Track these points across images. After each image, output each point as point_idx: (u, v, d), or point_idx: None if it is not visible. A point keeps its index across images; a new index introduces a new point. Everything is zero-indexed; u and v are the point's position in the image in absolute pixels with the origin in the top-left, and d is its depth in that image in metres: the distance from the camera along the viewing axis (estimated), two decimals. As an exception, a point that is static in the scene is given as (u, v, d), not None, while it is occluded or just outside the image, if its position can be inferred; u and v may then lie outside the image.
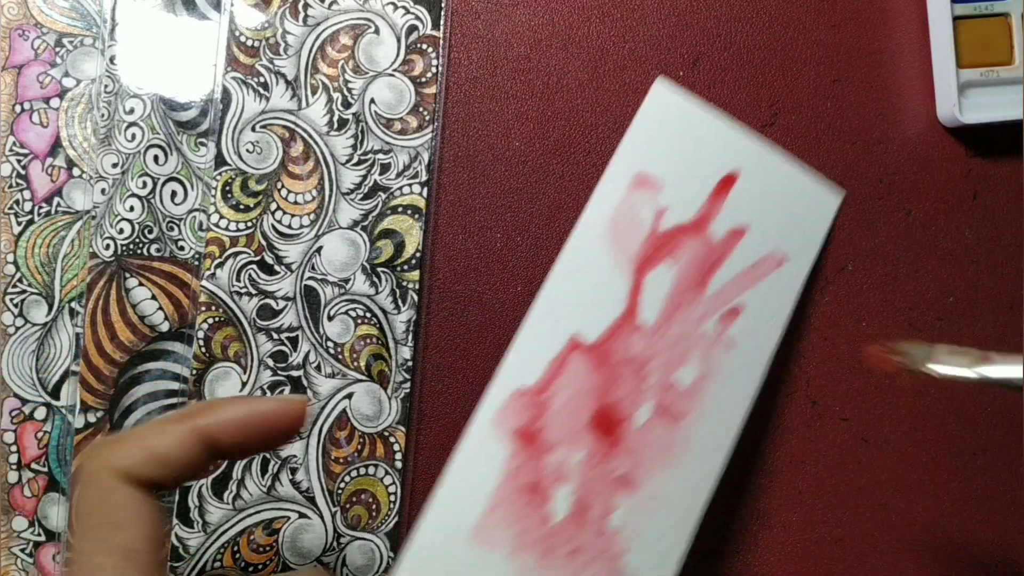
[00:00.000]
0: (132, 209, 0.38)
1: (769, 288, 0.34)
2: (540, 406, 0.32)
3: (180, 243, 0.38)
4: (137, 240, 0.38)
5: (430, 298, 0.39)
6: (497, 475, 0.31)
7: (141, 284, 0.38)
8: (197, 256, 0.38)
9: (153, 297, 0.38)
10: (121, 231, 0.38)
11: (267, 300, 0.38)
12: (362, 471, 0.38)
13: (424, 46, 0.39)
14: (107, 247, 0.38)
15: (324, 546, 0.38)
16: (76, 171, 0.38)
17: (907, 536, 0.39)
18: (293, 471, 0.38)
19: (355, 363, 0.38)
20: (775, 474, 0.39)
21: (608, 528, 0.32)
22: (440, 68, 0.39)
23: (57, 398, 0.38)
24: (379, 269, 0.38)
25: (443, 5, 0.39)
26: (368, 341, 0.38)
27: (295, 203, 0.38)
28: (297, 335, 0.38)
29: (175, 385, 0.38)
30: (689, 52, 0.40)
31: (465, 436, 0.32)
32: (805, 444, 0.39)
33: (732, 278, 0.34)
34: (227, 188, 0.38)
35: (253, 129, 0.38)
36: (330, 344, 0.38)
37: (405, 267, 0.38)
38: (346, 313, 0.38)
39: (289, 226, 0.38)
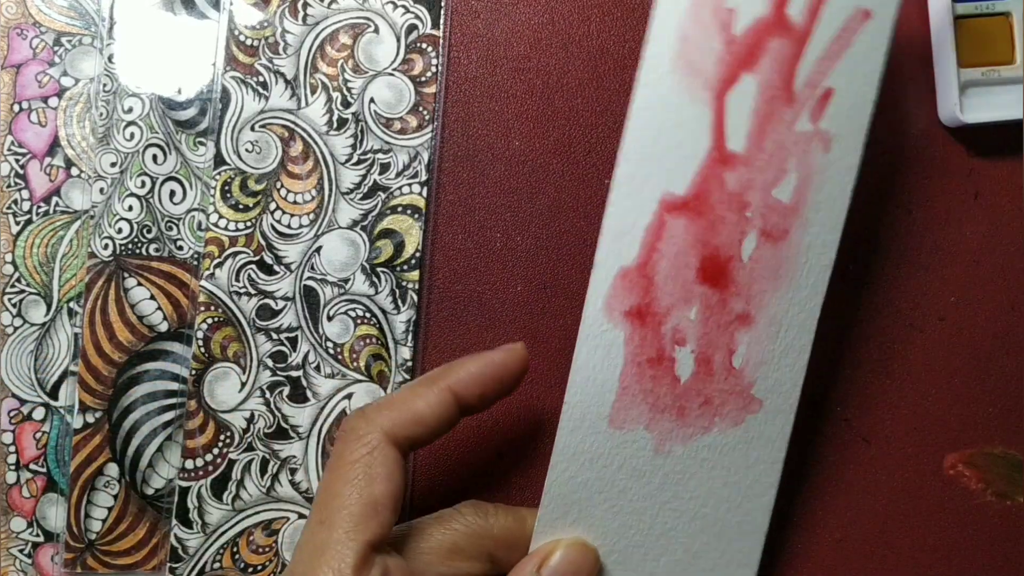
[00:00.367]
0: (131, 209, 0.38)
1: (857, 53, 0.32)
2: (646, 279, 0.32)
3: (179, 243, 0.38)
4: (136, 240, 0.38)
5: (430, 298, 0.39)
6: (619, 360, 0.32)
7: (140, 284, 0.37)
8: (196, 256, 0.38)
9: (152, 297, 0.38)
10: (120, 231, 0.38)
11: (266, 300, 0.38)
12: (362, 471, 0.38)
13: (424, 45, 0.39)
14: (106, 247, 0.37)
15: (324, 547, 0.37)
16: (75, 170, 0.38)
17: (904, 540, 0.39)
18: (292, 472, 0.37)
19: (355, 363, 0.38)
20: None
21: (734, 367, 0.32)
22: (440, 67, 0.39)
23: (56, 398, 0.38)
24: (379, 269, 0.38)
25: (443, 4, 0.39)
26: (368, 341, 0.38)
27: (294, 203, 0.38)
28: (296, 335, 0.38)
29: (174, 385, 0.38)
30: (689, 51, 0.39)
31: (580, 330, 0.32)
32: (806, 440, 0.39)
33: (818, 58, 0.32)
34: (226, 188, 0.38)
35: (252, 128, 0.38)
36: (330, 344, 0.38)
37: (405, 267, 0.38)
38: (346, 313, 0.38)
39: (288, 226, 0.38)
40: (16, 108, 0.38)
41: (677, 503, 0.33)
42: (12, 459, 0.37)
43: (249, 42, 0.38)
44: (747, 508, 0.33)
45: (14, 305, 0.37)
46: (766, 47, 0.32)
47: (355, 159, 0.38)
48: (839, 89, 0.32)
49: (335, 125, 0.38)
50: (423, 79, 0.39)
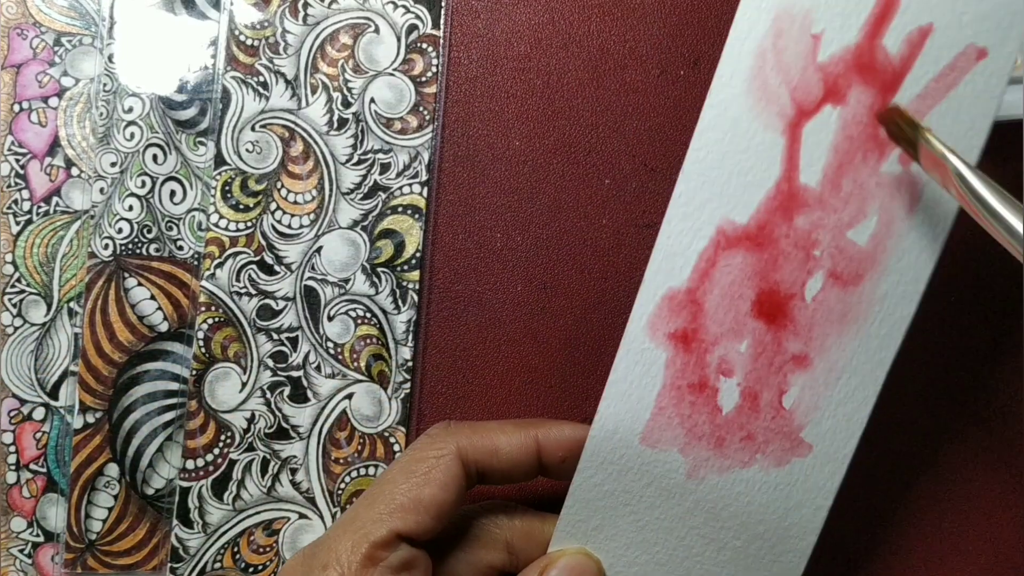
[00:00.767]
0: (131, 209, 0.38)
1: (964, 95, 0.29)
2: (695, 304, 0.30)
3: (179, 243, 0.38)
4: (136, 240, 0.38)
5: (430, 298, 0.39)
6: (658, 380, 0.31)
7: (140, 284, 0.37)
8: (196, 256, 0.38)
9: (152, 297, 0.38)
10: (120, 231, 0.38)
11: (267, 300, 0.38)
12: (362, 472, 0.38)
13: (424, 45, 0.39)
14: (106, 247, 0.37)
15: (324, 547, 0.37)
16: (75, 170, 0.38)
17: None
18: (293, 472, 0.37)
19: (355, 363, 0.38)
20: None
21: (784, 407, 0.31)
22: (440, 67, 0.39)
23: (56, 398, 0.38)
24: (379, 269, 0.38)
25: (443, 4, 0.39)
26: (368, 341, 0.38)
27: (295, 203, 0.38)
28: (297, 335, 0.38)
29: (174, 385, 0.38)
30: (689, 52, 0.39)
31: (622, 343, 0.31)
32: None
33: (917, 95, 0.29)
34: (227, 188, 0.38)
35: (253, 128, 0.38)
36: (330, 344, 0.38)
37: (405, 267, 0.38)
38: (346, 313, 0.38)
39: (289, 226, 0.38)
40: (16, 108, 0.38)
41: (707, 530, 0.31)
42: (12, 459, 0.37)
43: (249, 42, 0.38)
44: (782, 549, 0.32)
45: (14, 305, 0.37)
46: (854, 78, 0.29)
47: (355, 159, 0.38)
48: (937, 132, 0.29)
49: (335, 125, 0.38)
50: (423, 79, 0.39)
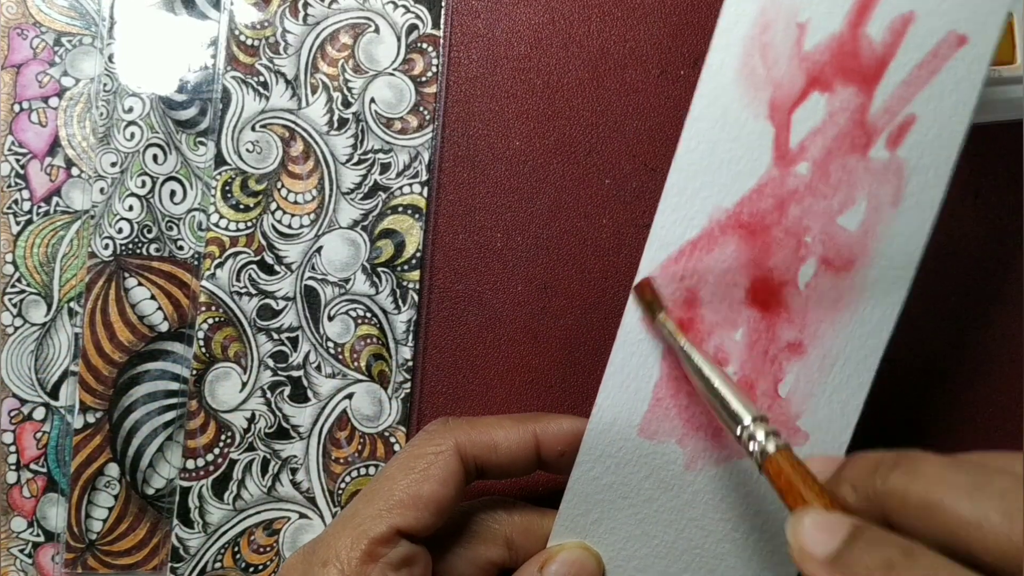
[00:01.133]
0: (131, 208, 0.38)
1: (947, 81, 0.29)
2: (689, 294, 0.31)
3: (180, 243, 0.38)
4: (136, 240, 0.38)
5: (430, 298, 0.39)
6: (655, 371, 0.31)
7: (140, 284, 0.37)
8: (197, 256, 0.38)
9: (152, 297, 0.38)
10: (120, 231, 0.38)
11: (267, 300, 0.38)
12: (363, 471, 0.38)
13: (424, 45, 0.39)
14: (106, 247, 0.37)
15: (324, 546, 0.37)
16: (75, 170, 0.38)
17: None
18: (293, 471, 0.37)
19: (355, 363, 0.38)
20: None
21: (780, 395, 0.31)
22: (440, 67, 0.39)
23: (56, 398, 0.38)
24: (379, 269, 0.38)
25: (443, 4, 0.39)
26: (368, 341, 0.38)
27: (295, 203, 0.38)
28: (297, 335, 0.38)
29: (175, 385, 0.38)
30: (690, 52, 0.39)
31: (618, 334, 0.31)
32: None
33: (900, 82, 0.29)
34: (227, 188, 0.38)
35: (253, 128, 0.38)
36: (330, 344, 0.38)
37: (405, 267, 0.38)
38: (346, 313, 0.38)
39: (289, 226, 0.38)
40: (16, 108, 0.38)
41: (705, 522, 0.31)
42: (12, 459, 0.37)
43: (250, 42, 0.38)
44: (782, 540, 0.31)
45: (14, 305, 0.37)
46: (839, 66, 0.30)
47: (356, 159, 0.38)
48: (923, 118, 0.29)
49: (336, 125, 0.38)
50: (424, 79, 0.39)
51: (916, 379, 0.39)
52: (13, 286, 0.38)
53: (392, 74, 0.38)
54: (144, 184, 0.38)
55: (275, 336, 0.38)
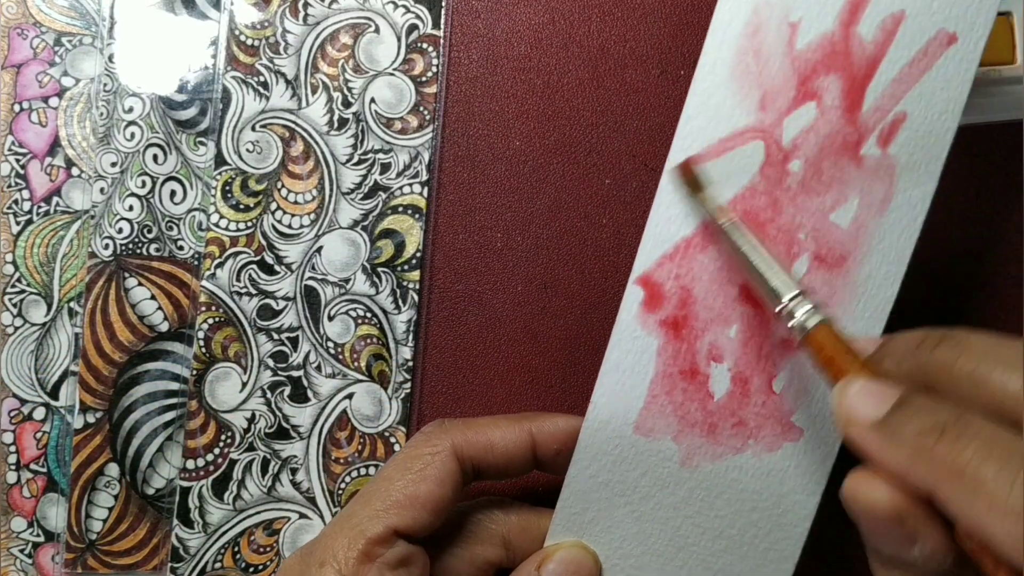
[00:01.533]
0: (131, 209, 0.38)
1: (937, 79, 0.30)
2: (684, 292, 0.31)
3: (180, 243, 0.38)
4: (136, 240, 0.38)
5: (430, 298, 0.39)
6: (650, 368, 0.31)
7: (140, 284, 0.37)
8: (197, 256, 0.38)
9: (152, 297, 0.38)
10: (120, 231, 0.38)
11: (267, 300, 0.38)
12: (363, 471, 0.38)
13: (424, 45, 0.39)
14: (106, 247, 0.37)
15: (324, 546, 0.38)
16: (75, 170, 0.38)
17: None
18: (293, 471, 0.37)
19: (355, 363, 0.38)
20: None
21: (774, 391, 0.31)
22: (440, 67, 0.39)
23: (56, 398, 0.38)
24: (379, 269, 0.38)
25: (443, 4, 0.39)
26: (368, 341, 0.38)
27: (295, 203, 0.38)
28: (297, 335, 0.38)
29: (175, 385, 0.38)
30: (690, 52, 0.39)
31: (613, 332, 0.31)
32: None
33: (891, 80, 0.30)
34: (227, 188, 0.38)
35: (253, 128, 0.38)
36: (330, 344, 0.38)
37: (405, 267, 0.38)
38: (346, 313, 0.38)
39: (289, 226, 0.38)
40: (16, 108, 0.38)
41: (701, 519, 0.32)
42: (13, 459, 0.37)
43: (250, 42, 0.38)
44: (777, 536, 0.32)
45: (14, 305, 0.37)
46: (831, 64, 0.30)
47: (356, 159, 0.38)
48: (913, 116, 0.30)
49: (336, 125, 0.38)
50: (424, 79, 0.39)
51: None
52: (13, 286, 0.38)
53: (392, 74, 0.38)
54: (144, 184, 0.38)
55: (275, 336, 0.38)
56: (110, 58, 0.38)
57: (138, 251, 0.38)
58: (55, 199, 0.38)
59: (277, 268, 0.38)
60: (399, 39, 0.38)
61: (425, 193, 0.38)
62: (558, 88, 0.39)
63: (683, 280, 0.31)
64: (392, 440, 0.38)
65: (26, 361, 0.38)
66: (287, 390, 0.38)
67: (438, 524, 0.30)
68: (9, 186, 0.38)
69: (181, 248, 0.38)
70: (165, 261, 0.38)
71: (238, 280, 0.38)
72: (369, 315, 0.38)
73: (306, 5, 0.38)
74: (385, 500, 0.30)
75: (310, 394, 0.38)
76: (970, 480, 0.21)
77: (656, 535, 0.32)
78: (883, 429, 0.23)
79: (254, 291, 0.38)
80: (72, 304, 0.38)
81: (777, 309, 0.28)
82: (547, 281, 0.39)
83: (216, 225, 0.38)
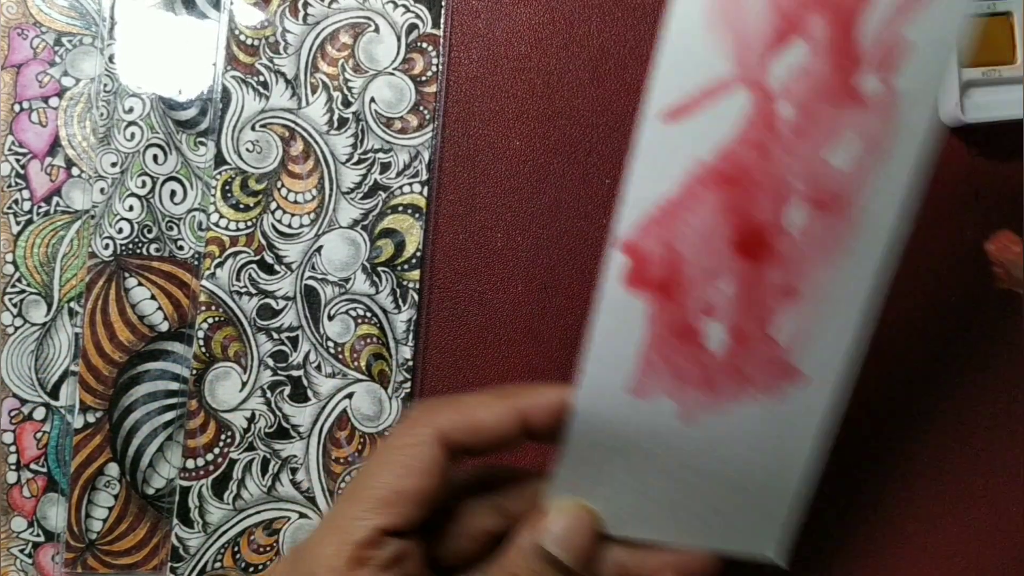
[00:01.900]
0: (131, 209, 0.38)
1: (936, 7, 0.28)
2: (670, 250, 0.30)
3: (180, 243, 0.38)
4: (136, 240, 0.38)
5: (430, 298, 0.39)
6: (640, 332, 0.30)
7: (140, 284, 0.37)
8: (197, 256, 0.38)
9: (152, 297, 0.38)
10: (120, 231, 0.38)
11: (267, 300, 0.38)
12: (362, 471, 0.38)
13: (424, 45, 0.39)
14: (106, 247, 0.37)
15: (324, 546, 0.37)
16: (75, 170, 0.38)
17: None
18: (293, 471, 0.37)
19: (355, 363, 0.38)
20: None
21: (771, 338, 0.30)
22: (440, 67, 0.39)
23: (56, 398, 0.38)
24: (379, 268, 0.38)
25: (443, 4, 0.39)
26: (368, 341, 0.38)
27: (295, 202, 0.38)
28: (297, 335, 0.38)
29: (175, 385, 0.38)
30: (690, 51, 0.39)
31: (599, 300, 0.30)
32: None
33: (888, 9, 0.28)
34: (227, 187, 0.38)
35: (253, 128, 0.38)
36: (330, 344, 0.38)
37: (405, 266, 0.38)
38: (346, 313, 0.38)
39: (289, 225, 0.38)
40: (17, 108, 0.38)
41: (702, 466, 0.31)
42: (13, 459, 0.37)
43: (250, 42, 0.38)
44: (776, 471, 0.31)
45: (15, 305, 0.37)
46: None
47: (356, 158, 0.38)
48: (914, 45, 0.28)
49: (336, 124, 0.38)
50: (424, 78, 0.39)
51: (916, 378, 0.39)
52: (13, 286, 0.38)
53: (392, 74, 0.38)
54: (144, 184, 0.38)
55: (275, 336, 0.38)
56: (110, 58, 0.38)
57: (138, 251, 0.38)
58: (55, 199, 0.38)
59: (277, 268, 0.38)
60: (399, 39, 0.38)
61: (425, 193, 0.38)
62: (558, 88, 0.39)
63: (671, 242, 0.30)
64: (392, 440, 0.38)
65: (26, 361, 0.38)
66: (287, 390, 0.37)
67: (428, 514, 0.30)
68: (9, 186, 0.38)
69: (181, 248, 0.38)
70: (165, 261, 0.38)
71: (238, 280, 0.38)
72: (369, 315, 0.38)
73: (306, 5, 0.38)
74: (369, 501, 0.29)
75: (310, 394, 0.38)
76: None
77: (657, 486, 0.31)
78: None
79: (254, 291, 0.38)
80: (72, 304, 0.38)
81: None
82: (547, 281, 0.39)
83: (216, 225, 0.38)
